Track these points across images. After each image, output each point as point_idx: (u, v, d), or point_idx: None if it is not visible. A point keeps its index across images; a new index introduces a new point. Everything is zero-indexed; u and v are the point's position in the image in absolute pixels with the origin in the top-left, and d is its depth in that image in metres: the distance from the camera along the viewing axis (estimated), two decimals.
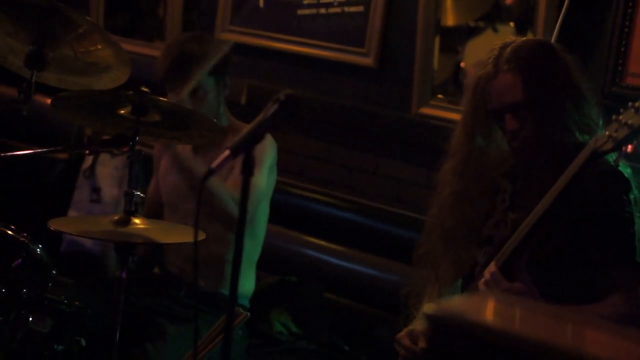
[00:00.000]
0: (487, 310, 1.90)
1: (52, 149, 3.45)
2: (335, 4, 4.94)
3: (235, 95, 5.16)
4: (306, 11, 5.04)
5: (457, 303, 2.00)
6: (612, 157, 2.93)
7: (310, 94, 4.96)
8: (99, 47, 3.18)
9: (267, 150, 4.00)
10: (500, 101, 3.00)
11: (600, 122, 3.04)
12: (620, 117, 2.64)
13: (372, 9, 4.79)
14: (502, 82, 3.00)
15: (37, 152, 3.40)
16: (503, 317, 1.86)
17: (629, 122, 2.61)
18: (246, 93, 5.19)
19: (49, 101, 3.26)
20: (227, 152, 2.40)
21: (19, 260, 3.34)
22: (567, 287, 2.94)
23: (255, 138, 2.42)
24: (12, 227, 3.39)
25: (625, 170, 3.02)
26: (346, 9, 4.91)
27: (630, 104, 2.63)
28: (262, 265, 4.17)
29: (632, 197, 2.97)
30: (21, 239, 3.37)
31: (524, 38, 3.15)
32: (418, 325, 3.13)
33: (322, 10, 4.99)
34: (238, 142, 2.40)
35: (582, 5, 4.05)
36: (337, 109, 4.95)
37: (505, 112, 3.00)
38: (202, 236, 3.07)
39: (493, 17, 4.97)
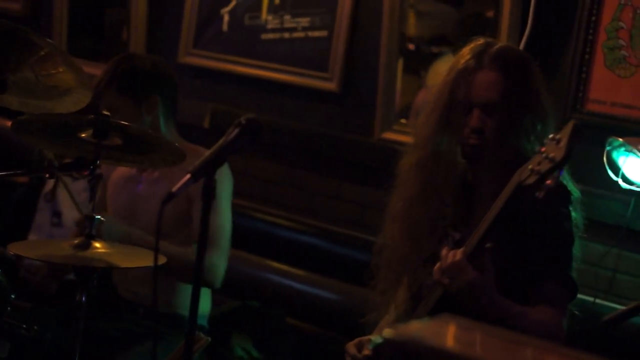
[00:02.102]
0: (448, 334, 1.89)
1: (13, 172, 3.41)
2: (299, 28, 4.95)
3: (199, 119, 5.16)
4: (270, 35, 5.05)
5: (417, 327, 1.99)
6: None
7: (274, 118, 4.96)
8: (61, 70, 3.16)
9: (224, 185, 4.00)
10: (476, 95, 3.01)
11: None
12: (543, 149, 2.70)
13: (335, 34, 4.81)
14: (484, 78, 3.02)
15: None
16: (463, 341, 1.85)
17: (550, 155, 2.67)
18: (209, 117, 5.19)
19: (9, 124, 3.23)
20: (187, 176, 2.39)
21: None
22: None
23: (216, 162, 2.41)
24: None
25: (575, 191, 3.08)
26: (310, 33, 4.92)
27: (551, 136, 2.71)
28: (224, 289, 4.15)
29: (572, 214, 3.03)
30: None
31: (507, 43, 3.24)
32: (372, 336, 3.15)
33: (286, 35, 5.00)
34: (199, 166, 2.39)
35: (544, 31, 4.09)
36: (300, 134, 4.95)
37: (476, 108, 3.02)
38: (162, 260, 3.05)
39: (456, 39, 4.97)
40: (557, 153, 2.66)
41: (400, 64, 4.69)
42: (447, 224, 3.12)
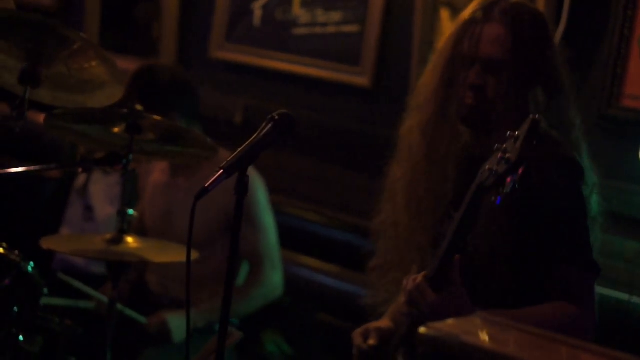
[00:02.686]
0: (482, 332, 1.88)
1: (46, 166, 3.42)
2: (331, 23, 4.93)
3: (230, 114, 5.15)
4: (302, 30, 5.03)
5: (451, 324, 1.98)
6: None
7: (305, 113, 4.94)
8: (93, 64, 3.16)
9: (260, 198, 4.04)
10: (481, 49, 2.80)
11: (578, 124, 2.90)
12: (503, 146, 2.45)
13: (367, 28, 4.79)
14: (491, 31, 2.80)
15: (30, 169, 3.37)
16: (498, 339, 1.84)
17: (507, 155, 2.42)
18: (241, 112, 5.18)
19: (42, 118, 3.24)
20: (220, 172, 2.38)
21: (10, 279, 3.31)
22: (503, 289, 2.76)
23: (250, 157, 2.40)
24: (4, 244, 3.36)
25: (591, 176, 2.86)
26: (341, 28, 4.90)
27: (509, 134, 2.45)
28: None
29: (587, 193, 2.82)
30: (12, 257, 3.34)
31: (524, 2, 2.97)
32: (380, 322, 3.02)
33: (318, 30, 4.99)
34: (232, 162, 2.38)
35: (579, 26, 4.05)
36: (331, 129, 4.94)
37: (478, 63, 2.81)
38: (195, 255, 3.05)
39: None
40: (513, 153, 2.40)
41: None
42: (448, 201, 2.87)
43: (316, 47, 4.99)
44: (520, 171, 2.38)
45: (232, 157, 2.40)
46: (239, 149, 2.42)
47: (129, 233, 3.34)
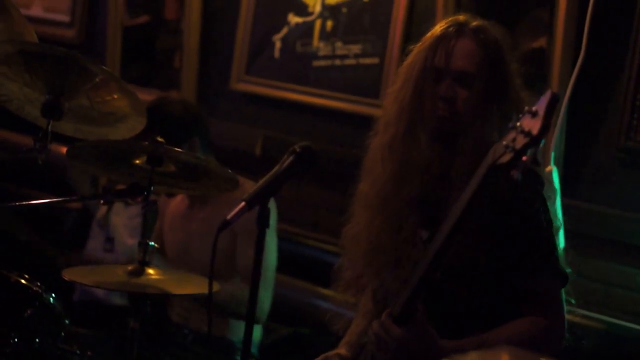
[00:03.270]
0: None
1: (67, 198, 3.43)
2: (351, 55, 4.96)
3: (250, 146, 5.17)
4: (321, 62, 5.06)
5: (473, 358, 1.99)
6: None
7: (325, 144, 4.96)
8: (115, 96, 3.18)
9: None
10: (453, 62, 2.85)
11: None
12: (518, 123, 2.43)
13: (387, 61, 4.81)
14: (464, 46, 2.87)
15: (52, 201, 3.39)
16: None
17: (526, 129, 2.39)
18: (261, 144, 5.20)
19: (64, 150, 3.26)
20: (242, 204, 2.39)
21: (32, 310, 3.32)
22: (472, 310, 2.78)
23: (271, 190, 2.41)
24: (26, 276, 3.38)
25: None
26: (361, 60, 4.93)
27: (526, 108, 2.43)
28: (275, 316, 4.15)
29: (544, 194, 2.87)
30: (34, 288, 3.35)
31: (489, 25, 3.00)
32: (339, 350, 3.05)
33: (337, 62, 5.01)
34: (254, 194, 2.39)
35: (597, 60, 4.06)
36: (351, 160, 4.93)
37: (450, 76, 2.85)
38: (216, 287, 3.06)
39: None
40: (533, 126, 2.38)
41: None
42: (415, 220, 2.88)
43: (336, 80, 5.01)
44: (540, 145, 2.39)
45: (254, 189, 2.41)
46: (261, 181, 2.43)
47: (150, 265, 3.35)
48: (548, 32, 4.32)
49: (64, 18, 5.99)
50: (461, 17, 2.95)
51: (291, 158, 2.49)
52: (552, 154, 3.84)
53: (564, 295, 2.85)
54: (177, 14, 5.75)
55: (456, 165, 2.79)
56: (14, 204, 3.37)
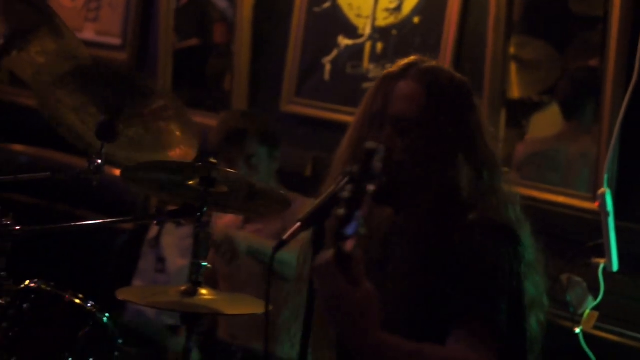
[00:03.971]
0: None
1: (121, 218, 3.47)
2: None
3: (300, 167, 5.19)
4: (371, 84, 5.05)
5: None
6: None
7: None
8: (171, 124, 3.21)
9: None
10: (392, 107, 2.61)
11: (515, 200, 2.65)
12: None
13: None
14: (405, 88, 2.61)
15: (106, 222, 3.42)
16: None
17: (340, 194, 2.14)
18: (311, 165, 5.22)
19: (116, 172, 3.28)
20: (298, 225, 2.39)
21: (86, 329, 3.35)
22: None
23: (327, 210, 2.40)
24: (80, 295, 3.40)
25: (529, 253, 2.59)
26: None
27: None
28: None
29: (520, 253, 2.55)
30: (88, 307, 3.38)
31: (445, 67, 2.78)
32: None
33: None
34: (309, 214, 2.39)
35: None
36: None
37: (388, 124, 2.61)
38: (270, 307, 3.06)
39: (558, 91, 4.95)
40: (347, 190, 2.12)
41: (503, 115, 4.66)
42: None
43: None
44: (360, 210, 2.07)
45: (309, 210, 2.41)
46: (317, 201, 2.43)
47: (202, 285, 3.36)
48: (600, 53, 4.30)
49: (116, 41, 6.05)
50: (414, 57, 2.70)
51: (346, 179, 2.47)
52: (606, 176, 3.81)
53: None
54: (226, 37, 5.79)
55: (401, 221, 2.58)
56: (66, 224, 3.40)
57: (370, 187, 2.09)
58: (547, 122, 4.75)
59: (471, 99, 2.70)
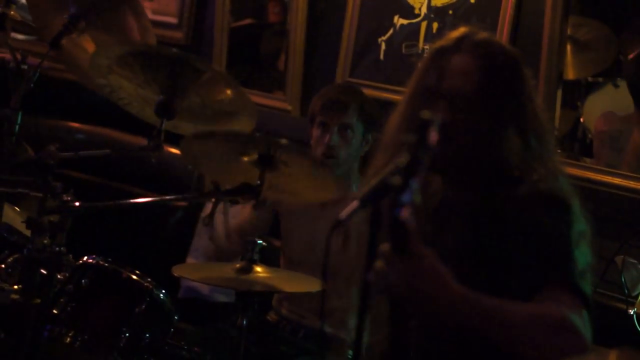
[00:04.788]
0: None
1: (180, 196, 3.50)
2: None
3: None
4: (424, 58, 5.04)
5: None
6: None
7: None
8: (226, 94, 3.23)
9: None
10: (446, 82, 2.60)
11: (563, 172, 2.65)
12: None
13: None
14: (460, 63, 2.60)
15: (164, 199, 3.45)
16: None
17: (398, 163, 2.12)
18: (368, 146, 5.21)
19: (175, 150, 3.31)
20: (355, 203, 2.38)
21: (144, 305, 3.38)
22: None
23: (385, 190, 2.39)
24: (137, 272, 3.44)
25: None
26: None
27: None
28: None
29: (571, 219, 2.54)
30: (146, 284, 3.42)
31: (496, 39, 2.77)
32: None
33: None
34: (368, 192, 2.38)
35: None
36: None
37: (442, 98, 2.59)
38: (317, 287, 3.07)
39: (613, 72, 4.91)
40: (404, 158, 2.10)
41: (559, 93, 4.63)
42: None
43: None
44: (417, 178, 2.07)
45: (367, 188, 2.40)
46: (374, 180, 2.41)
47: (258, 263, 3.38)
48: None
49: (172, 20, 6.08)
50: (464, 30, 2.68)
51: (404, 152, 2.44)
52: None
53: (587, 321, 2.45)
54: (279, 17, 5.80)
55: (455, 194, 2.56)
56: (124, 201, 3.44)
57: (426, 157, 2.08)
58: (602, 103, 4.73)
59: (522, 69, 2.68)
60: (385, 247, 2.21)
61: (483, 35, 2.68)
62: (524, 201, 2.55)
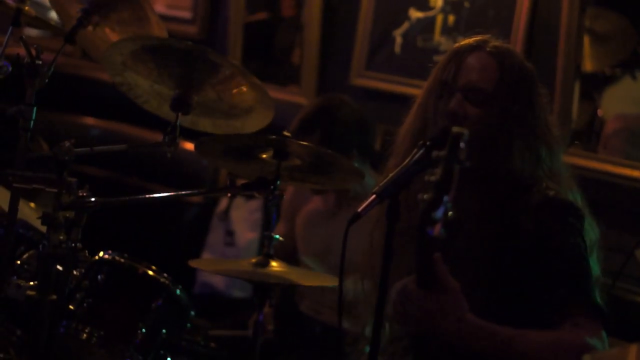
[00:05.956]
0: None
1: (195, 191, 3.49)
2: None
3: None
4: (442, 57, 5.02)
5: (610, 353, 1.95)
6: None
7: None
8: (242, 89, 3.21)
9: None
10: (463, 76, 2.65)
11: (569, 178, 2.69)
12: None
13: None
14: (478, 60, 2.66)
15: (180, 194, 3.43)
16: None
17: (432, 177, 2.14)
18: (381, 138, 5.19)
19: (189, 146, 3.29)
20: (373, 197, 2.38)
21: (160, 301, 3.38)
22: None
23: (402, 183, 2.39)
24: (154, 267, 3.43)
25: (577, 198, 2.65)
26: None
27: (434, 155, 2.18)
28: None
29: (585, 229, 2.58)
30: (162, 279, 3.41)
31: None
32: None
33: None
34: (384, 186, 2.38)
35: None
36: None
37: (458, 91, 2.64)
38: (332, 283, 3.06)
39: (631, 64, 4.88)
40: (436, 175, 2.13)
41: (577, 85, 4.60)
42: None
43: None
44: (449, 194, 2.10)
45: (384, 182, 2.39)
46: (392, 174, 2.41)
47: (274, 258, 3.36)
48: None
49: (186, 15, 6.07)
50: (484, 36, 2.75)
51: (421, 151, 2.45)
52: None
53: (606, 340, 2.48)
54: (294, 10, 5.78)
55: (465, 195, 2.39)
56: (139, 196, 3.42)
57: (456, 171, 2.12)
58: (620, 95, 4.70)
59: (537, 83, 2.73)
60: (410, 281, 2.29)
61: (503, 44, 2.75)
62: (538, 211, 2.58)
